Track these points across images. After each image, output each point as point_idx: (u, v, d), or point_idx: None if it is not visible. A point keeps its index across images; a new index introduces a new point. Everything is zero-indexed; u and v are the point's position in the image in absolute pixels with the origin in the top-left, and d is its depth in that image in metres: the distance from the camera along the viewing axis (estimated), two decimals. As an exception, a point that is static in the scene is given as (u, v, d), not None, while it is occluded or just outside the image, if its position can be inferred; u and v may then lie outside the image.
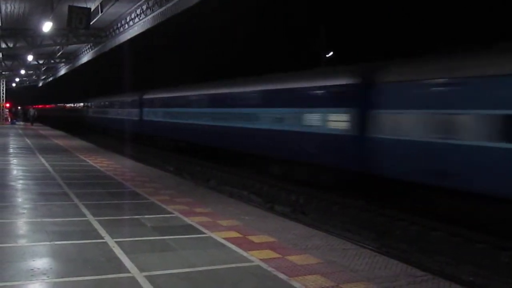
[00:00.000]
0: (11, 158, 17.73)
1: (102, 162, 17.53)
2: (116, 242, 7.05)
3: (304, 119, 15.83)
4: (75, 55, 40.10)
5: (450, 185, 11.05)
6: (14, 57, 37.10)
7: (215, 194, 12.81)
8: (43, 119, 59.99)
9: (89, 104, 50.45)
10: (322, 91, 15.33)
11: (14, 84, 65.80)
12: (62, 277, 5.58)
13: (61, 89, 74.90)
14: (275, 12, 38.36)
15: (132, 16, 24.09)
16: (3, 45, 30.11)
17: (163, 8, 20.61)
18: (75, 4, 20.38)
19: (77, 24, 20.43)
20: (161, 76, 45.85)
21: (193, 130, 24.28)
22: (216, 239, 7.53)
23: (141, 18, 23.07)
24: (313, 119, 15.42)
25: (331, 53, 30.02)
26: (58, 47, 34.40)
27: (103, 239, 7.23)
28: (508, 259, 9.45)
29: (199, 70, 41.30)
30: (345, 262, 6.63)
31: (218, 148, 22.19)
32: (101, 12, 23.12)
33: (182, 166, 23.01)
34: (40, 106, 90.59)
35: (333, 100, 14.71)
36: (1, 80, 48.96)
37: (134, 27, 24.40)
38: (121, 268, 5.98)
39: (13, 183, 12.10)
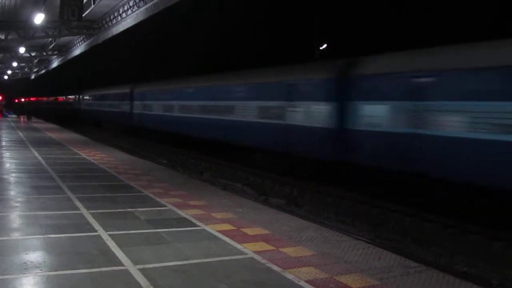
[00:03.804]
0: (3, 151, 17.62)
1: (95, 155, 17.47)
2: (109, 235, 7.03)
3: (117, 105, 37.01)
4: (67, 48, 39.82)
5: (161, 128, 28.74)
6: (6, 49, 36.73)
7: (209, 186, 12.80)
8: (37, 112, 60.45)
9: (60, 98, 71.27)
10: (122, 93, 35.57)
11: (6, 77, 65.28)
12: (56, 270, 5.56)
13: (54, 81, 74.78)
14: (272, 5, 38.19)
15: (125, 8, 23.90)
16: (-5, 37, 29.82)
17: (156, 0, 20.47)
18: (67, -5, 20.15)
19: (70, 16, 20.22)
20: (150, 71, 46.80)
21: (91, 112, 47.05)
22: (210, 231, 7.53)
23: (134, 10, 22.90)
24: (121, 105, 35.91)
25: (324, 45, 29.93)
26: (50, 39, 34.14)
27: (97, 232, 7.21)
28: (502, 250, 9.52)
29: (190, 64, 41.34)
30: (339, 254, 6.64)
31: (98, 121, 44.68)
32: (94, 3, 22.93)
33: (175, 158, 22.96)
34: (34, 98, 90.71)
35: (124, 97, 35.12)
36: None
37: (127, 19, 24.23)
38: (115, 261, 5.97)
39: (6, 176, 12.03)
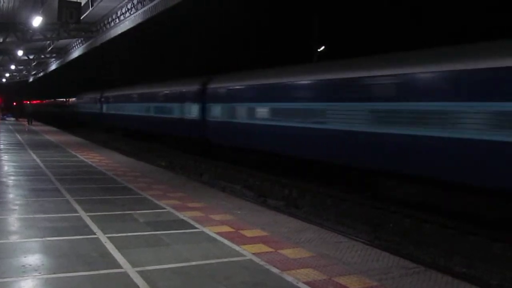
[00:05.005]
0: (1, 154, 17.61)
1: (94, 157, 17.46)
2: (108, 237, 7.03)
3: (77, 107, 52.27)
4: (66, 50, 39.82)
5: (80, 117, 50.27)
6: (4, 52, 36.71)
7: (208, 188, 12.79)
8: (36, 114, 60.00)
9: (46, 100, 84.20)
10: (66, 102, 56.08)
11: (4, 80, 65.27)
12: (54, 273, 5.56)
13: (52, 84, 74.79)
14: (271, 5, 38.24)
15: (123, 10, 23.91)
16: (-7, 40, 29.77)
17: (154, 2, 20.48)
18: (65, -2, 20.17)
19: (68, 18, 20.25)
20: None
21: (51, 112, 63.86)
22: (209, 233, 7.53)
23: (132, 12, 22.91)
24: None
25: (322, 47, 29.96)
26: (48, 41, 34.14)
27: (95, 234, 7.21)
28: (500, 251, 9.52)
29: (183, 66, 41.49)
30: (338, 255, 6.64)
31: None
32: (92, 6, 22.93)
33: (174, 160, 22.94)
34: (34, 101, 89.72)
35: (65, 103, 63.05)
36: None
37: (125, 22, 24.24)
38: (114, 263, 5.96)
39: (4, 179, 12.03)
